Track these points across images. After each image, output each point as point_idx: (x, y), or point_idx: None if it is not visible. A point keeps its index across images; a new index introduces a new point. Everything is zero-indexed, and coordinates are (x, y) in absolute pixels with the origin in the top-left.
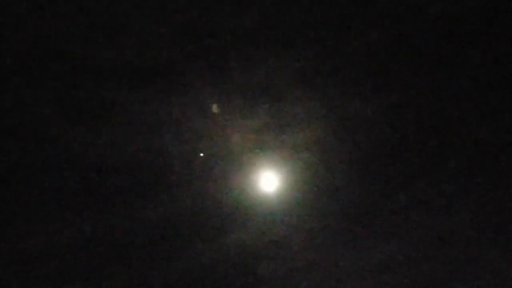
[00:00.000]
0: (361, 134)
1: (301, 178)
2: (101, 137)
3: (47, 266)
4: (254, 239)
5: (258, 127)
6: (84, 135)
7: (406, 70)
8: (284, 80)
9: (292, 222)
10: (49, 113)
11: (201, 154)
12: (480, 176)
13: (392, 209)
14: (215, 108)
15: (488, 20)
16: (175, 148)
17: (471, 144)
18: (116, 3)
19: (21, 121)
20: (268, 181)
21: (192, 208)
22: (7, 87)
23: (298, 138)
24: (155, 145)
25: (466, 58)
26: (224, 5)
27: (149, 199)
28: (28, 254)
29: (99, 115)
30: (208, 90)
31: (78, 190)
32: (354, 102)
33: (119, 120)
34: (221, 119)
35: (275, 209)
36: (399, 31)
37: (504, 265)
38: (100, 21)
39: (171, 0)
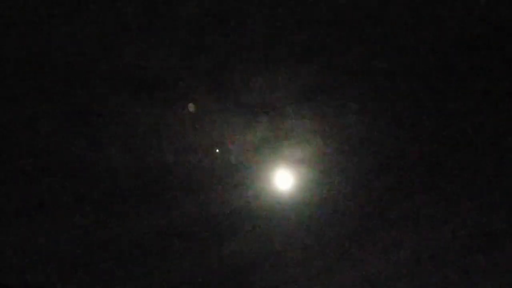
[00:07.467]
0: (359, 150)
1: (299, 192)
2: (102, 145)
3: None
4: (250, 250)
5: (257, 141)
6: (83, 143)
7: (407, 87)
8: (284, 95)
9: (289, 235)
10: (51, 122)
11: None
12: (472, 192)
13: (389, 224)
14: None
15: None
16: (172, 159)
17: (465, 162)
18: (117, 14)
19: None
20: (266, 194)
21: (192, 216)
22: (5, 94)
23: (297, 153)
24: (151, 155)
25: (467, 75)
26: (225, 20)
27: (151, 206)
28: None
29: (101, 123)
30: (208, 103)
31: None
32: (353, 118)
33: (117, 128)
34: (219, 132)
35: (273, 222)
36: (400, 49)
37: (495, 276)
38: (100, 29)
39: (172, 12)
